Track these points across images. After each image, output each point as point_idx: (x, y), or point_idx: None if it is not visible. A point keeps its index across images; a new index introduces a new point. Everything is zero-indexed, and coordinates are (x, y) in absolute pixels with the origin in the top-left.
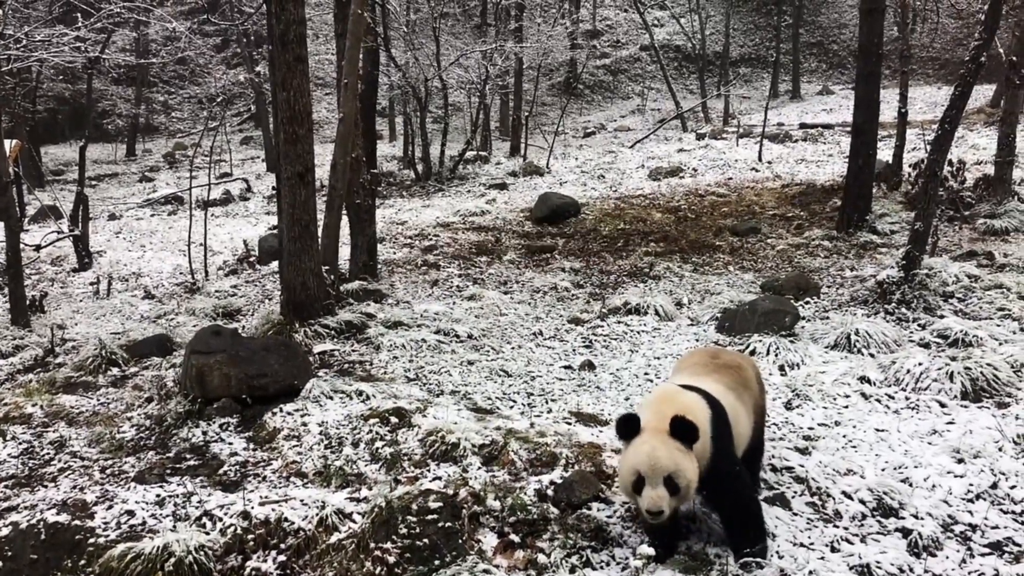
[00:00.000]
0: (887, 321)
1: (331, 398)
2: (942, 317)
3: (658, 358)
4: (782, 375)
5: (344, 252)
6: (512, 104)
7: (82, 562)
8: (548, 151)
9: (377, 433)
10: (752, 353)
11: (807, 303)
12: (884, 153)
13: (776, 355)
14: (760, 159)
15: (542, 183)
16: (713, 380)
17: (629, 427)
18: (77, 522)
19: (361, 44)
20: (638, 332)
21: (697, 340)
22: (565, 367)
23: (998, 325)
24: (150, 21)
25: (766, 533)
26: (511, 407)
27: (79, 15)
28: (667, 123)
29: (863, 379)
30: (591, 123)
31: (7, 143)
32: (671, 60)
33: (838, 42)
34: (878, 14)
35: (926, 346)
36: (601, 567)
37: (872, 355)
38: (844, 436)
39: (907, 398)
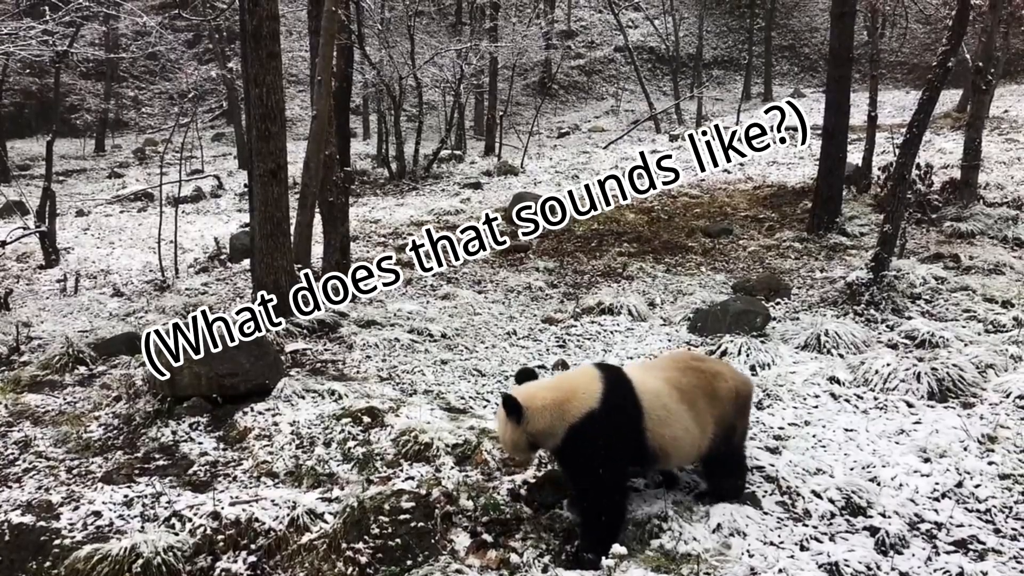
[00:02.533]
0: (856, 322)
1: (303, 397)
2: (910, 318)
3: (631, 358)
4: (753, 375)
5: (317, 250)
6: (487, 103)
7: (47, 564)
8: (523, 151)
9: (349, 433)
10: (724, 354)
11: (778, 304)
12: (854, 156)
13: (747, 355)
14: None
15: (516, 183)
16: (663, 375)
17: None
18: (42, 523)
19: (335, 41)
20: (611, 332)
21: (670, 340)
22: (539, 367)
23: (964, 326)
24: (120, 15)
25: (604, 551)
26: (484, 407)
27: (47, 8)
28: (641, 124)
29: (833, 379)
30: (565, 123)
31: None
32: (645, 62)
33: (809, 46)
34: (849, 18)
35: (894, 347)
36: (573, 567)
37: (841, 356)
38: (814, 436)
39: (875, 398)
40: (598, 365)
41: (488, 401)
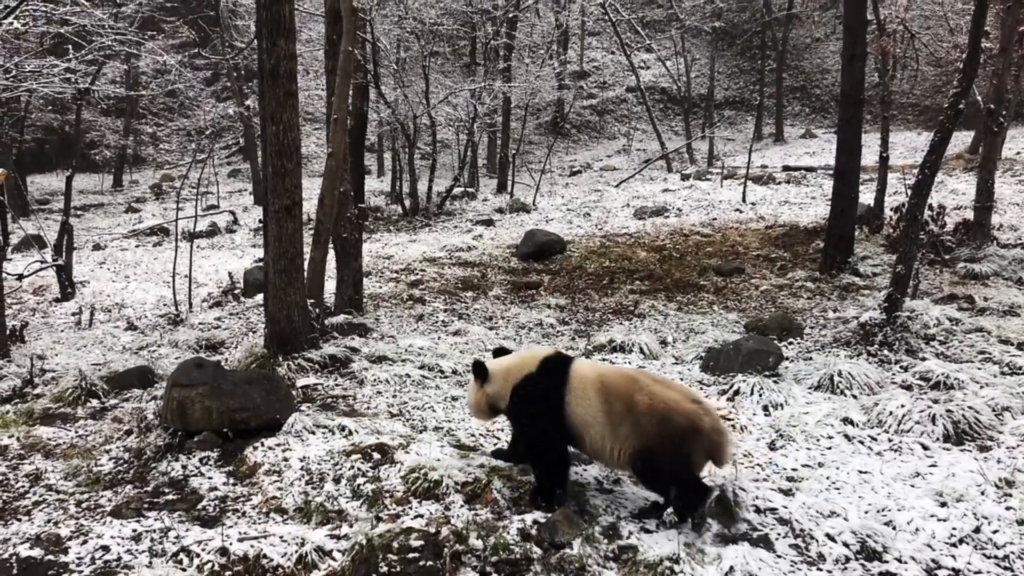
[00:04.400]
0: (869, 363)
1: (313, 433)
2: (924, 360)
3: None
4: (766, 415)
5: (330, 286)
6: (500, 142)
7: None
8: (535, 189)
9: (359, 469)
10: (736, 393)
11: (790, 343)
12: (866, 196)
13: (760, 395)
14: (744, 200)
15: (528, 220)
16: (599, 372)
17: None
18: (51, 557)
19: (351, 81)
20: None
21: (682, 379)
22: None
23: (979, 368)
24: (141, 54)
25: (550, 496)
26: (495, 444)
27: (70, 47)
28: (652, 163)
29: (846, 420)
30: (577, 162)
31: None
32: (657, 102)
33: (821, 87)
34: (859, 61)
35: (908, 388)
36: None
37: (855, 396)
38: (827, 477)
39: (890, 440)
40: (550, 350)
41: (499, 439)
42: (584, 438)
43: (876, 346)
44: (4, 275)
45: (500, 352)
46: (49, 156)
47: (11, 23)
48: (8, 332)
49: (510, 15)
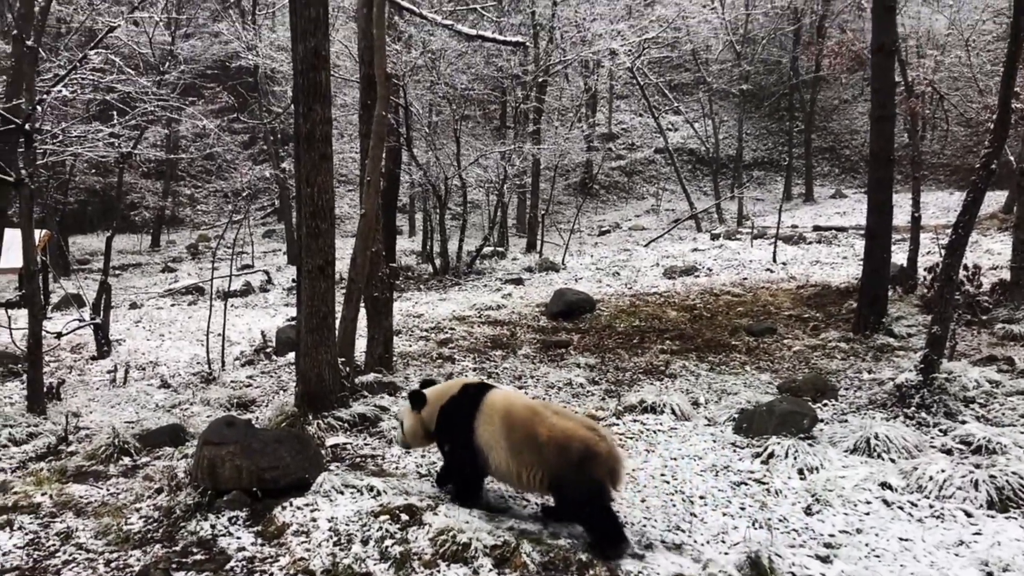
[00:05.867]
0: (907, 425)
1: (342, 493)
2: (964, 423)
3: (675, 459)
4: (801, 479)
5: (360, 344)
6: (529, 202)
7: None
8: (564, 248)
9: (387, 531)
10: (770, 456)
11: (825, 405)
12: (898, 256)
13: (795, 458)
14: (775, 260)
15: (557, 279)
16: (511, 401)
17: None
18: None
19: (384, 144)
20: (654, 431)
21: (714, 441)
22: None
23: (1022, 432)
24: (182, 119)
25: (466, 501)
26: (524, 507)
27: (115, 112)
28: (681, 223)
29: (884, 485)
30: (606, 222)
31: (36, 233)
32: (685, 162)
33: (850, 147)
34: (888, 121)
35: (948, 452)
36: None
37: (893, 460)
38: (867, 544)
39: (931, 506)
40: (475, 379)
41: (528, 501)
42: (489, 458)
43: (913, 408)
44: (44, 333)
45: (426, 383)
46: (90, 217)
47: (60, 91)
48: (45, 390)
49: (539, 80)
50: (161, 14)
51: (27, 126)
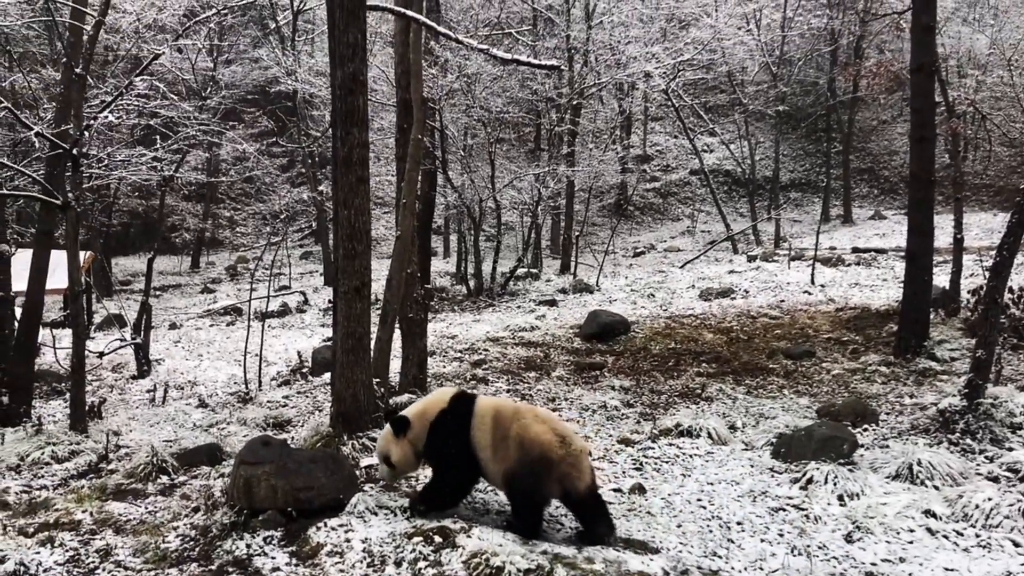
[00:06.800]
0: (951, 452)
1: (375, 514)
2: (1011, 450)
3: (711, 483)
4: (841, 505)
5: (395, 365)
6: (563, 224)
7: None
8: (598, 269)
9: (420, 552)
10: (809, 481)
11: (865, 430)
12: (940, 279)
13: (835, 484)
14: (813, 282)
15: (592, 300)
16: (497, 405)
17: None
18: None
19: (420, 166)
20: (690, 455)
21: (752, 466)
22: (614, 490)
23: None
24: (222, 143)
25: (440, 507)
26: (558, 530)
27: (158, 137)
28: (717, 244)
29: (928, 513)
30: (641, 243)
31: (81, 255)
32: (721, 184)
33: (889, 168)
34: (928, 142)
35: (995, 480)
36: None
37: (937, 487)
38: (910, 574)
39: (977, 535)
40: (457, 389)
41: (562, 525)
42: (481, 460)
43: (957, 434)
44: (86, 353)
45: (392, 412)
46: (133, 239)
47: (106, 116)
48: (87, 408)
49: (574, 102)
50: (204, 41)
51: (74, 151)
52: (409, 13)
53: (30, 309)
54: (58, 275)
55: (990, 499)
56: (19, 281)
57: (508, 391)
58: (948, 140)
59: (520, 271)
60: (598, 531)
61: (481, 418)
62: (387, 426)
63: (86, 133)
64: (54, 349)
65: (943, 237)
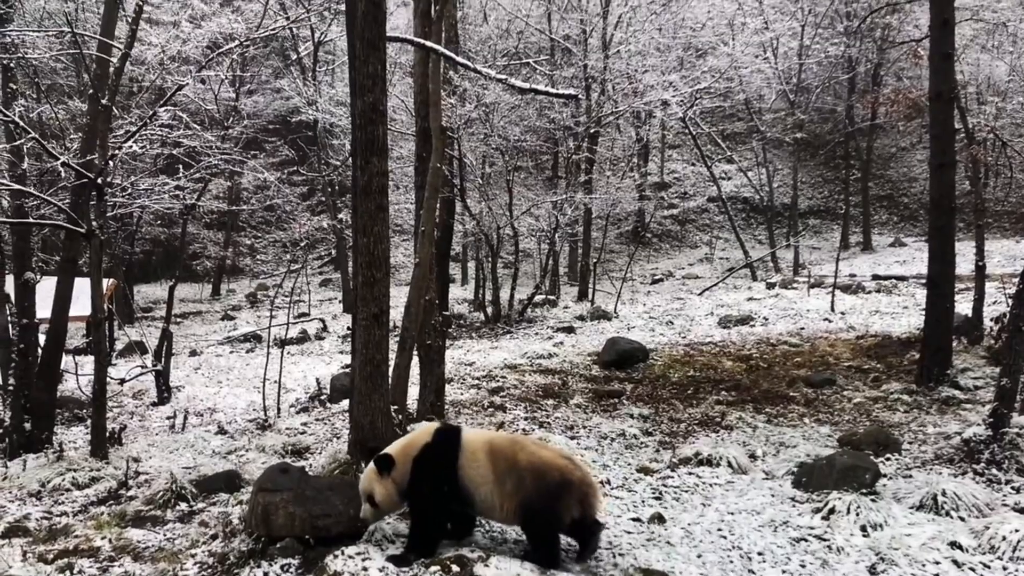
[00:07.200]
0: (976, 482)
1: (393, 542)
2: None
3: (732, 513)
4: (864, 536)
5: (412, 392)
6: (580, 251)
7: None
8: (616, 296)
9: None
10: (832, 511)
11: (888, 460)
12: (962, 306)
13: (857, 514)
14: (833, 309)
15: (610, 327)
16: (489, 437)
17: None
18: None
19: (438, 194)
20: (710, 485)
21: (773, 495)
22: (633, 519)
23: None
24: (244, 171)
25: (428, 551)
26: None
27: (180, 166)
28: (736, 272)
29: (954, 545)
30: (659, 270)
31: (104, 282)
32: (739, 211)
33: (909, 195)
34: (948, 169)
35: (1022, 511)
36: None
37: (962, 518)
38: None
39: (1004, 568)
40: (440, 423)
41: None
42: (475, 496)
43: (982, 464)
44: (108, 380)
45: (374, 450)
46: (155, 266)
47: (131, 146)
48: (108, 435)
49: (591, 131)
50: (227, 72)
51: (99, 180)
52: (428, 44)
53: (54, 336)
54: (81, 303)
55: (1017, 531)
56: (43, 308)
57: (526, 419)
58: (968, 167)
59: (538, 298)
60: (591, 546)
61: (473, 453)
62: (371, 464)
63: (111, 163)
64: (76, 376)
65: (964, 264)
